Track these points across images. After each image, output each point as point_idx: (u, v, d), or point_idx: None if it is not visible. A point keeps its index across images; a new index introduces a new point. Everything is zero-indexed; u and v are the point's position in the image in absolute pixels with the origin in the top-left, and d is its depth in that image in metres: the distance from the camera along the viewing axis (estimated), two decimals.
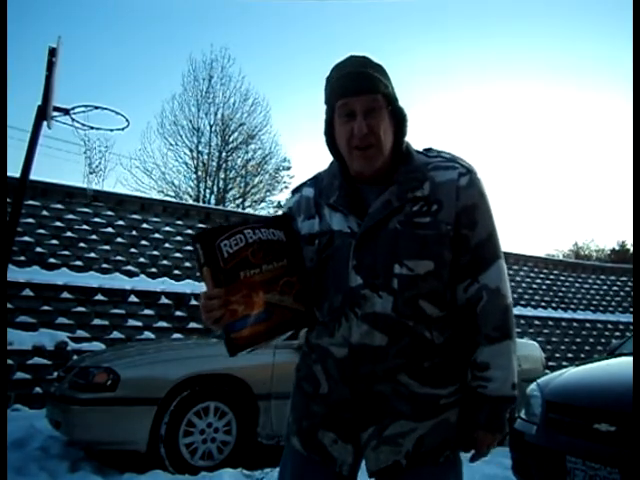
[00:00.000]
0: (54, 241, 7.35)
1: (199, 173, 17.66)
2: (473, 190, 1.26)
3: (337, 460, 1.25)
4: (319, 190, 1.36)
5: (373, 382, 1.22)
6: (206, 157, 17.62)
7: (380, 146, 1.23)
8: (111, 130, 5.93)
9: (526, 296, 11.66)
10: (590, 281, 13.06)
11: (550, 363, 8.97)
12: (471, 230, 1.25)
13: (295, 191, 1.44)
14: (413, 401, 1.21)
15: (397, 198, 1.24)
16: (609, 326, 12.30)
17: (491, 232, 1.28)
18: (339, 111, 1.24)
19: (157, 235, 8.24)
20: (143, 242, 8.07)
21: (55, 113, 5.14)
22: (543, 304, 11.89)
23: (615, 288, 13.32)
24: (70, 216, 7.58)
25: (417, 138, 1.38)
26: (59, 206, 7.55)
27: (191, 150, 17.46)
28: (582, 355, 11.20)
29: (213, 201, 17.34)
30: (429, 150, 1.34)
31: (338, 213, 1.29)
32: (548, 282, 12.26)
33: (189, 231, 8.55)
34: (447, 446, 1.23)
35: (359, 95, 1.21)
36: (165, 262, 8.17)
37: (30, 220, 7.17)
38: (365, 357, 1.22)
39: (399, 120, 1.27)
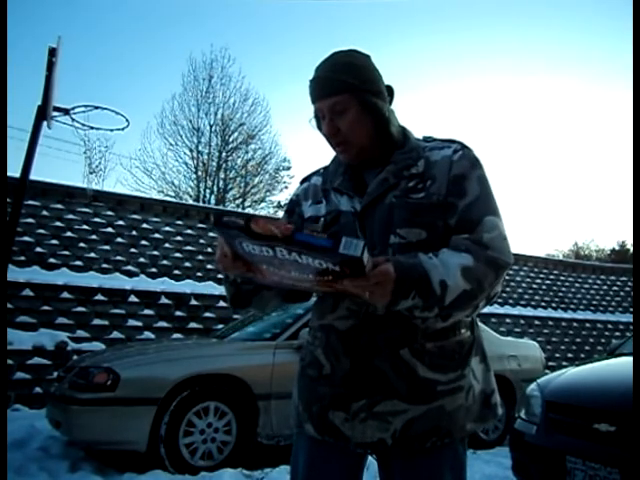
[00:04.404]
0: (54, 241, 7.35)
1: (199, 173, 17.67)
2: (464, 161, 1.28)
3: (350, 438, 1.26)
4: (325, 178, 1.42)
5: (373, 354, 1.23)
6: (206, 157, 17.64)
7: (349, 141, 1.29)
8: (111, 130, 5.93)
9: (526, 296, 11.66)
10: (590, 281, 13.06)
11: (550, 363, 8.98)
12: (459, 199, 1.24)
13: (304, 180, 1.50)
14: (410, 382, 1.21)
15: (393, 176, 1.28)
16: (609, 326, 12.30)
17: (479, 195, 1.25)
18: (317, 112, 1.32)
19: (157, 235, 8.24)
20: (143, 242, 8.07)
21: (55, 113, 5.14)
22: (543, 304, 11.89)
23: (615, 288, 13.32)
24: (70, 216, 7.59)
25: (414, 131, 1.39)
26: (59, 206, 7.55)
27: (191, 150, 17.48)
28: (582, 355, 11.20)
29: (213, 201, 17.34)
30: (429, 137, 1.38)
31: (344, 196, 1.34)
32: (548, 282, 12.26)
33: (189, 231, 8.55)
34: (436, 433, 1.22)
35: (323, 99, 1.27)
36: (165, 262, 8.17)
37: (30, 220, 7.17)
38: (368, 326, 1.23)
39: (373, 112, 1.29)
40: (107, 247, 7.74)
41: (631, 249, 25.30)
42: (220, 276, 8.46)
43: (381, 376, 1.22)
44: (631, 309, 12.32)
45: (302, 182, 1.49)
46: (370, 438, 1.23)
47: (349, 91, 1.25)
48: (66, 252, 7.39)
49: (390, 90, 1.34)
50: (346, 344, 1.26)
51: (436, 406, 1.22)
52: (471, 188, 1.25)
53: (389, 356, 1.22)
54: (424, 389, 1.22)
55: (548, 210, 48.05)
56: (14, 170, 4.99)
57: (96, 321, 6.89)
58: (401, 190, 1.26)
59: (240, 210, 14.89)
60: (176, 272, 8.17)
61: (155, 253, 8.13)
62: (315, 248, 0.95)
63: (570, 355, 11.27)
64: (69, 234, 7.50)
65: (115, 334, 6.92)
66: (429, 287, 1.09)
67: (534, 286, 11.95)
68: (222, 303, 7.92)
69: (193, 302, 7.70)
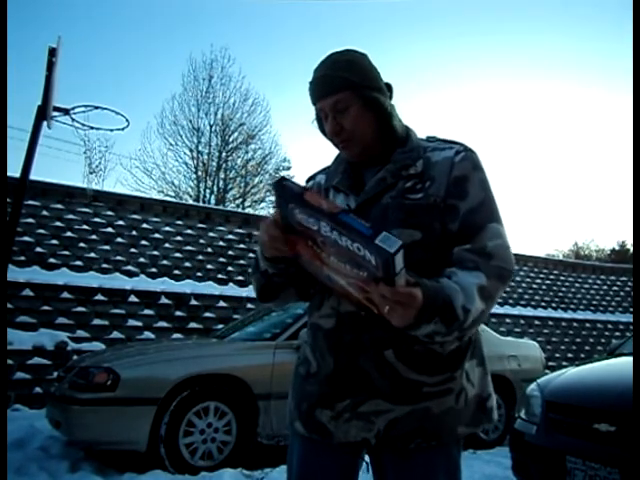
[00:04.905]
0: (54, 241, 7.35)
1: (199, 173, 17.68)
2: (466, 163, 1.26)
3: (334, 437, 1.26)
4: (327, 176, 1.43)
5: (357, 353, 1.22)
6: (206, 157, 17.64)
7: (354, 137, 1.29)
8: (111, 130, 5.93)
9: (526, 296, 11.66)
10: (590, 281, 13.06)
11: (550, 363, 8.98)
12: (460, 200, 1.23)
13: (310, 179, 1.50)
14: (394, 383, 1.20)
15: (391, 175, 1.27)
16: (609, 326, 12.30)
17: (483, 200, 1.24)
18: (319, 112, 1.32)
19: (157, 235, 8.24)
20: (143, 242, 8.07)
21: (55, 113, 5.14)
22: (543, 304, 11.89)
23: (615, 288, 13.32)
24: (70, 216, 7.59)
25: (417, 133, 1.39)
26: (59, 206, 7.56)
27: (191, 150, 17.49)
28: (582, 355, 11.20)
29: (213, 201, 17.35)
30: (432, 137, 1.37)
31: (341, 194, 1.34)
32: (548, 282, 12.26)
33: (189, 231, 8.55)
34: (421, 434, 1.21)
35: (325, 98, 1.27)
36: (165, 262, 8.17)
37: (30, 220, 7.17)
38: (351, 325, 1.23)
39: (375, 107, 1.29)
40: (107, 247, 7.74)
41: (631, 249, 25.32)
42: (220, 276, 8.49)
43: (364, 376, 1.22)
44: (631, 309, 12.32)
45: (308, 180, 1.50)
46: (354, 438, 1.23)
47: (350, 88, 1.26)
48: (66, 252, 7.39)
49: (389, 87, 1.34)
50: (330, 343, 1.27)
51: (421, 407, 1.21)
52: (473, 191, 1.24)
53: (373, 356, 1.21)
54: (408, 389, 1.21)
55: (548, 210, 48.11)
56: (14, 170, 5.00)
57: (96, 321, 6.89)
58: (398, 190, 1.25)
59: (240, 210, 14.88)
60: (176, 272, 8.17)
61: (155, 253, 8.13)
62: (355, 232, 0.97)
63: (570, 355, 11.27)
64: (69, 234, 7.50)
65: (115, 334, 6.92)
66: (453, 313, 1.08)
67: (534, 286, 11.95)
68: (222, 303, 7.93)
69: (193, 302, 7.70)
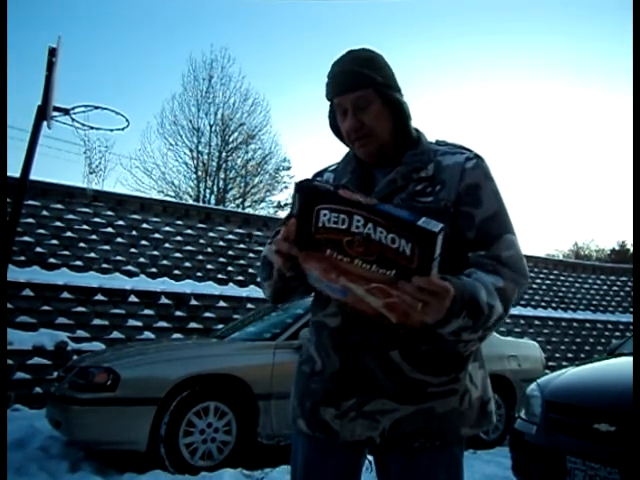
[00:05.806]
0: (54, 241, 7.35)
1: (199, 173, 17.68)
2: (478, 171, 1.28)
3: (339, 435, 1.26)
4: (335, 175, 1.42)
5: (363, 352, 1.22)
6: (206, 157, 17.64)
7: (373, 135, 1.28)
8: (111, 130, 5.92)
9: (526, 296, 11.65)
10: (590, 281, 13.06)
11: (550, 363, 8.97)
12: (475, 208, 1.24)
13: (317, 175, 1.49)
14: (399, 383, 1.21)
15: (402, 177, 1.27)
16: (609, 326, 12.30)
17: (497, 210, 1.26)
18: (336, 108, 1.31)
19: (157, 235, 8.24)
20: (143, 242, 8.07)
21: (55, 113, 5.14)
22: (543, 304, 11.89)
23: (615, 288, 13.32)
24: (70, 216, 7.59)
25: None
26: (59, 206, 7.56)
27: (191, 150, 17.49)
28: (582, 355, 11.20)
29: (213, 201, 17.35)
30: (441, 141, 1.37)
31: None
32: (548, 282, 12.26)
33: (189, 231, 8.55)
34: (425, 434, 1.22)
35: (347, 93, 1.27)
36: (165, 262, 8.17)
37: (30, 220, 7.17)
38: (357, 325, 1.23)
39: (394, 107, 1.30)
40: (107, 247, 7.74)
41: (631, 249, 25.32)
42: (220, 276, 8.49)
43: (370, 375, 1.22)
44: (631, 309, 12.32)
45: (315, 176, 1.49)
46: (359, 437, 1.24)
47: (372, 86, 1.26)
48: (66, 252, 7.39)
49: None
50: (335, 341, 1.27)
51: (426, 407, 1.22)
52: (487, 200, 1.25)
53: (379, 356, 1.22)
54: (413, 389, 1.22)
55: (548, 210, 48.10)
56: (14, 170, 4.99)
57: (96, 321, 6.89)
58: (408, 193, 1.26)
59: (240, 210, 14.88)
60: (176, 272, 8.17)
61: (155, 253, 8.13)
62: (394, 219, 0.96)
63: (570, 355, 11.27)
64: (69, 234, 7.50)
65: (115, 334, 6.92)
66: (478, 307, 1.09)
67: (534, 286, 11.95)
68: (222, 303, 7.92)
69: (193, 302, 7.70)
